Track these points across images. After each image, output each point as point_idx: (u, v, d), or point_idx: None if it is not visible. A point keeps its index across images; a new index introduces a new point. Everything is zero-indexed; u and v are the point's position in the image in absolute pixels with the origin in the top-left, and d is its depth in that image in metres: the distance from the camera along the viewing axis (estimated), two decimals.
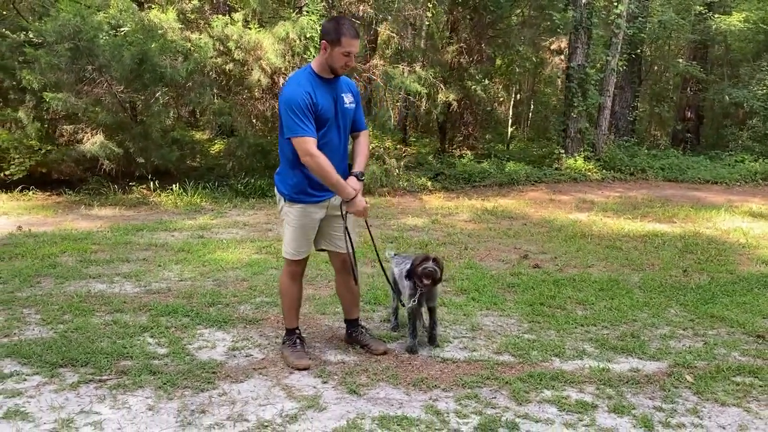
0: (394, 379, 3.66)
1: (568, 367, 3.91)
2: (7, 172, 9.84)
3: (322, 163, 3.53)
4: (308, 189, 3.72)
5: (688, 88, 20.59)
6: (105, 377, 3.56)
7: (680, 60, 20.43)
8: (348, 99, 3.75)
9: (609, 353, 4.16)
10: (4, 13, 11.21)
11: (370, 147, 14.09)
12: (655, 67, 22.46)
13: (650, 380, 3.74)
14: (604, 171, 14.84)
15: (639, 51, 18.50)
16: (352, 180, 3.73)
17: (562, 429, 3.14)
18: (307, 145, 3.50)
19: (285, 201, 3.80)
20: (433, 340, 4.22)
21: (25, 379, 3.52)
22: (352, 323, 4.18)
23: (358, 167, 3.81)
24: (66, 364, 3.71)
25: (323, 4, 11.39)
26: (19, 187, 9.99)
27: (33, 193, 10.05)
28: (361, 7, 11.98)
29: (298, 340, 3.97)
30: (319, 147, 3.58)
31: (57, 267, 5.87)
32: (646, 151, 17.34)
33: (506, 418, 3.22)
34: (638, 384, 3.68)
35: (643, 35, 18.05)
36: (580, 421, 3.23)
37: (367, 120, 14.88)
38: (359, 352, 4.05)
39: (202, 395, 3.40)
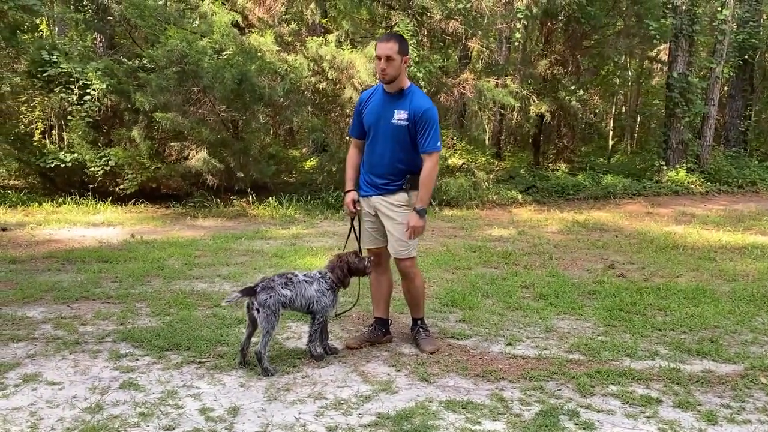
0: (464, 371, 3.88)
1: (638, 366, 3.98)
2: (121, 186, 10.81)
3: (348, 156, 4.37)
4: (361, 183, 4.29)
5: None
6: (204, 359, 4.01)
7: None
8: (399, 116, 4.00)
9: (682, 355, 4.18)
10: (122, 42, 12.38)
11: (455, 163, 14.34)
12: None
13: (722, 381, 3.75)
14: (708, 183, 14.26)
15: (748, 57, 17.58)
16: (412, 215, 4.00)
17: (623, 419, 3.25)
18: (350, 140, 4.34)
19: None
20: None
21: (137, 359, 4.01)
22: (414, 321, 4.46)
23: (418, 202, 4.01)
24: (171, 348, 4.18)
25: (413, 23, 11.77)
26: (132, 200, 10.96)
27: (144, 206, 10.97)
28: (450, 24, 12.22)
29: (370, 327, 4.42)
30: (366, 150, 4.23)
31: (165, 269, 6.49)
32: (757, 162, 16.47)
33: (568, 407, 3.36)
34: (708, 383, 3.71)
35: (754, 41, 17.14)
36: (642, 413, 3.32)
37: (460, 133, 15.07)
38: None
39: (287, 377, 3.76)
